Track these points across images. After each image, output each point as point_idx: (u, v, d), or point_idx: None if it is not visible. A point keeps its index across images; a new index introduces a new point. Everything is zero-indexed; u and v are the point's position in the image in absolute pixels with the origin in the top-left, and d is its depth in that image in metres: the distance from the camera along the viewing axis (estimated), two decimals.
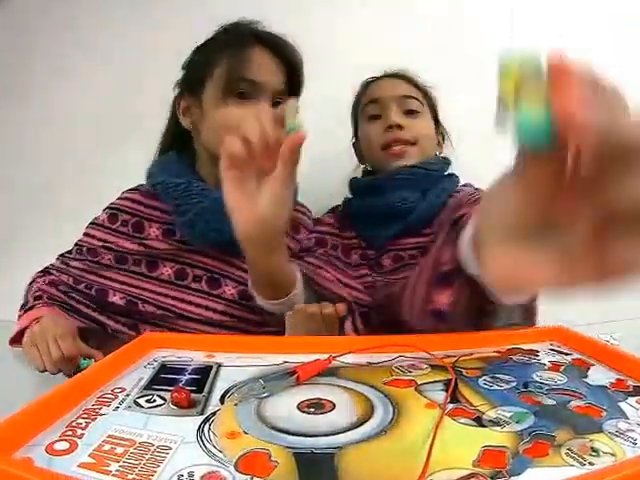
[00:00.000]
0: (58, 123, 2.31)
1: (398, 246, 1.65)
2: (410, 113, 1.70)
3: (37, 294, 1.56)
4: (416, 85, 1.77)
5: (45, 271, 1.69)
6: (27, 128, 2.32)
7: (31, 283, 1.65)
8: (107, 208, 1.67)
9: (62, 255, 1.69)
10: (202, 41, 1.58)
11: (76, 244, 1.66)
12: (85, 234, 1.65)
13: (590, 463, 0.64)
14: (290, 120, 1.00)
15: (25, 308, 1.54)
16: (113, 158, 2.24)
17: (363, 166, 1.92)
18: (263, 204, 1.06)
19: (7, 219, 2.28)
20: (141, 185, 1.69)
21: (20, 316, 1.53)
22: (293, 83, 1.54)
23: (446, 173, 1.75)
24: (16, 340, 1.50)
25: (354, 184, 1.81)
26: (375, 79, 1.84)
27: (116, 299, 1.51)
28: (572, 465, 0.63)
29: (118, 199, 1.69)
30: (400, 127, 1.67)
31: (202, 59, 1.55)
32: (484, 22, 2.32)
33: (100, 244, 1.58)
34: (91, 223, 1.67)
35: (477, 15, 2.34)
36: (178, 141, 1.67)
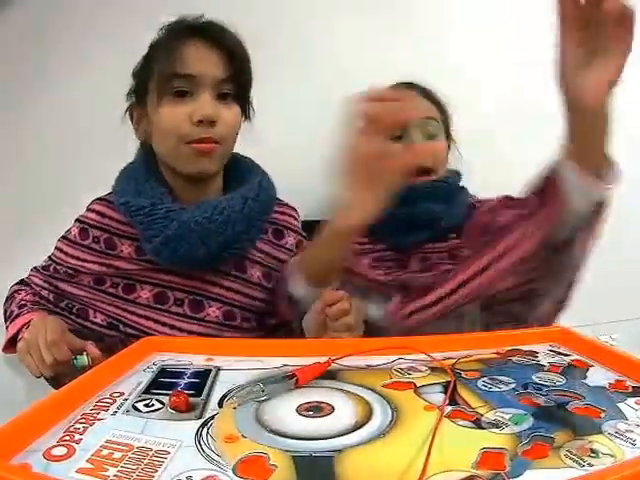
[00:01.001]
0: (56, 125, 2.30)
1: (424, 250, 1.66)
2: (429, 137, 1.66)
3: (21, 303, 1.54)
4: (433, 100, 1.73)
5: (22, 283, 1.65)
6: (25, 131, 2.32)
7: (11, 295, 1.62)
8: (77, 221, 1.59)
9: (37, 269, 1.64)
10: None
11: (50, 258, 1.61)
12: (58, 249, 1.59)
13: (589, 464, 0.64)
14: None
15: (11, 317, 1.51)
16: (114, 161, 2.23)
17: None
18: (370, 209, 1.18)
19: (5, 222, 2.28)
20: (110, 194, 1.58)
21: (7, 327, 1.51)
22: (236, 70, 1.45)
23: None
24: (7, 348, 1.49)
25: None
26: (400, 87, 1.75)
27: (98, 320, 1.48)
28: (571, 466, 0.63)
29: (88, 211, 1.60)
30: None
31: (143, 64, 1.49)
32: (480, 23, 2.33)
33: (73, 262, 1.52)
34: (63, 237, 1.60)
35: (472, 17, 2.35)
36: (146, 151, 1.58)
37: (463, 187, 1.77)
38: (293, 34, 2.07)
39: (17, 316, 1.48)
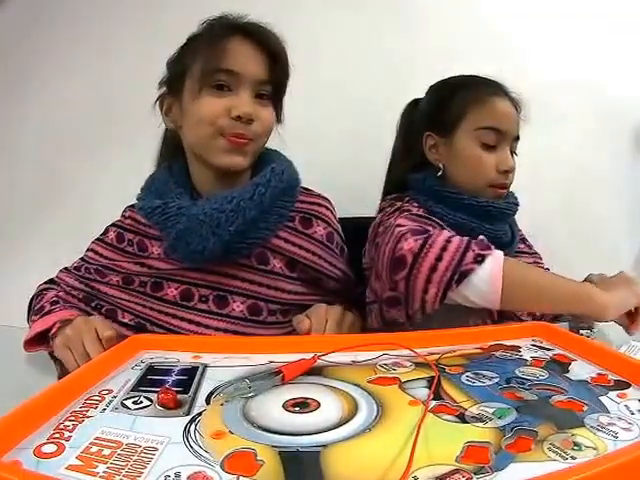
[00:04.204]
0: (52, 126, 2.30)
1: None
2: (512, 154, 1.62)
3: (54, 300, 1.52)
4: (520, 119, 1.66)
5: (52, 282, 1.63)
6: (23, 131, 2.31)
7: (39, 292, 1.60)
8: (114, 226, 1.61)
9: (67, 270, 1.63)
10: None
11: (83, 259, 1.62)
12: (93, 251, 1.60)
13: (572, 457, 0.65)
14: None
15: (41, 313, 1.48)
16: (109, 161, 2.23)
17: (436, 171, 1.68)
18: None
19: (3, 224, 2.27)
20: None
21: (35, 321, 1.48)
22: (277, 72, 1.46)
23: None
24: (31, 343, 1.47)
25: (456, 200, 1.59)
26: (495, 93, 1.62)
27: (126, 320, 1.47)
28: (555, 460, 0.64)
29: (123, 217, 1.63)
30: (512, 171, 1.61)
31: (181, 55, 1.48)
32: (484, 23, 2.36)
33: (106, 262, 1.54)
34: (99, 240, 1.61)
35: (477, 15, 2.38)
36: (174, 145, 1.59)
37: None
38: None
39: (49, 312, 1.46)
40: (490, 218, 1.56)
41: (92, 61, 2.27)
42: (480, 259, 1.24)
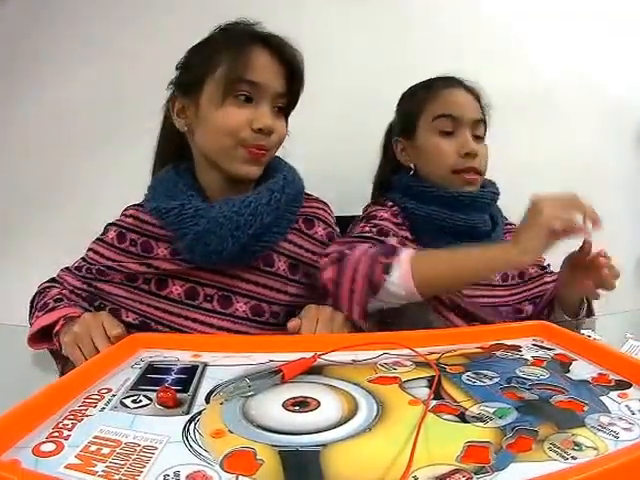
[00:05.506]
0: (52, 124, 2.30)
1: None
2: (477, 138, 1.66)
3: (58, 297, 1.51)
4: (483, 106, 1.72)
5: (54, 282, 1.63)
6: (22, 130, 2.31)
7: (42, 290, 1.59)
8: (114, 225, 1.60)
9: (68, 270, 1.63)
10: (197, 41, 1.51)
11: (83, 259, 1.61)
12: (94, 251, 1.59)
13: (573, 457, 0.65)
14: None
15: (45, 309, 1.47)
16: (110, 159, 2.23)
17: (410, 169, 1.76)
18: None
19: (4, 223, 2.27)
20: (143, 201, 1.60)
21: (38, 317, 1.47)
22: (294, 86, 1.49)
23: None
24: (35, 340, 1.47)
25: (427, 193, 1.67)
26: (449, 85, 1.71)
27: (129, 320, 1.47)
28: (555, 459, 0.64)
29: (123, 216, 1.62)
30: (475, 155, 1.63)
31: (200, 59, 1.47)
32: (485, 20, 2.36)
33: (109, 263, 1.53)
34: (99, 240, 1.60)
35: (477, 14, 2.38)
36: (175, 146, 1.61)
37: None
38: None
39: (53, 309, 1.45)
40: (464, 208, 1.61)
41: (92, 61, 2.27)
42: (387, 268, 1.33)
